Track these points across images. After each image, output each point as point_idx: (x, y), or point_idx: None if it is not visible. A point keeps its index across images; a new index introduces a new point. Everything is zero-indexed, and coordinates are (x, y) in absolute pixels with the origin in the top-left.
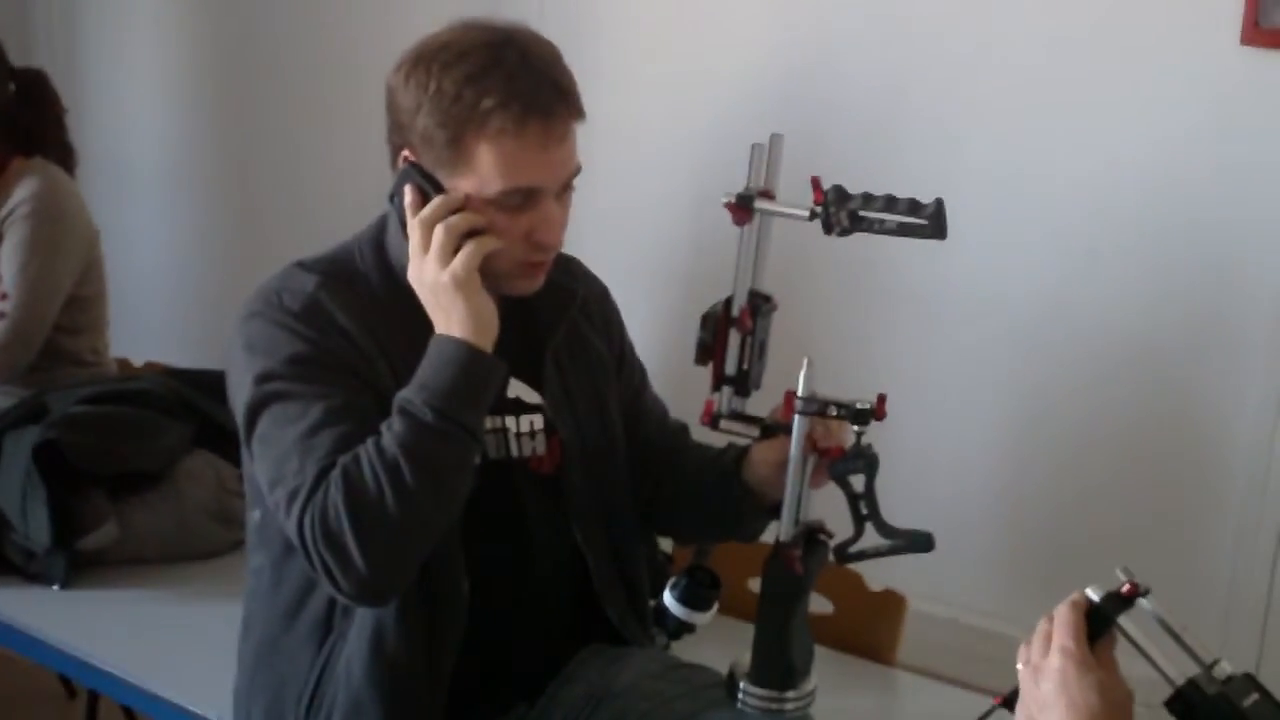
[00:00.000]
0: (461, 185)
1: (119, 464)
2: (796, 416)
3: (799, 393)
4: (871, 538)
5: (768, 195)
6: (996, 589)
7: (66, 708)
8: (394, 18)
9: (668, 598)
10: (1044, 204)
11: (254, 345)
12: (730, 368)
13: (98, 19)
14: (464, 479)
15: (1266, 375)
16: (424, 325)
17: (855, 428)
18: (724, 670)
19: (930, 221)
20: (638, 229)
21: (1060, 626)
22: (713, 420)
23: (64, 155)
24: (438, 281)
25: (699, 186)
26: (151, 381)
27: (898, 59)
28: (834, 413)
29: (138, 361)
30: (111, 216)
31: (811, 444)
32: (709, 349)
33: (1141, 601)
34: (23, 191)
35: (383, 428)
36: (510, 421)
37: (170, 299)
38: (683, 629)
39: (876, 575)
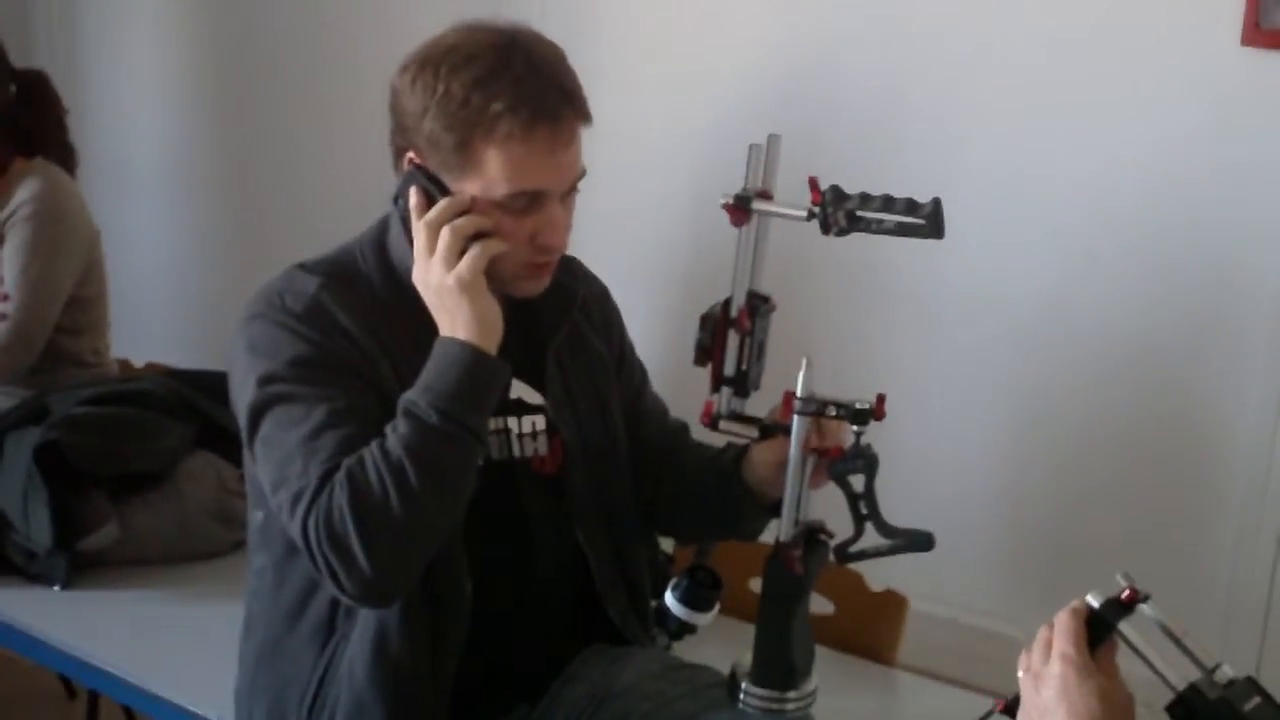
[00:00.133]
0: (468, 188)
1: (120, 465)
2: (795, 417)
3: (798, 393)
4: (871, 538)
5: (765, 196)
6: (997, 589)
7: (67, 708)
8: (394, 17)
9: (669, 598)
10: (1044, 204)
11: (256, 347)
12: (729, 368)
13: (98, 20)
14: (468, 481)
15: (1267, 376)
16: (426, 326)
17: (854, 428)
18: (725, 670)
19: (928, 221)
20: (638, 229)
21: (1060, 633)
22: (712, 421)
23: (65, 156)
24: (443, 284)
25: (699, 187)
26: (152, 382)
27: (897, 59)
28: (833, 413)
29: (139, 362)
30: (112, 217)
31: (811, 444)
32: (708, 350)
33: (1142, 607)
34: (24, 193)
35: (387, 430)
36: (512, 422)
37: (171, 300)
38: (684, 629)
39: (877, 575)
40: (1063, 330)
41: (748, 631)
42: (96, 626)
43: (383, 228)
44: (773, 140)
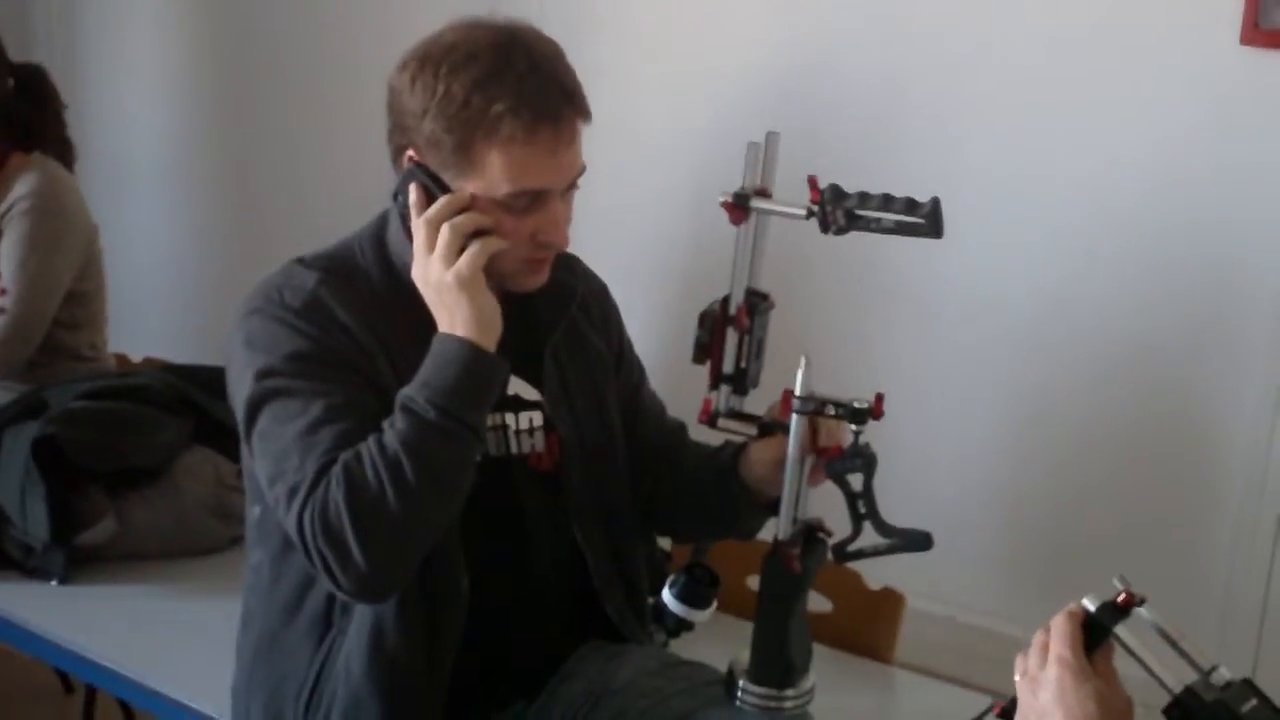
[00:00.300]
0: (468, 187)
1: (118, 460)
2: (794, 415)
3: (797, 391)
4: (870, 536)
5: (764, 194)
6: (995, 588)
7: (64, 703)
8: (394, 15)
9: (666, 595)
10: (1044, 204)
11: (254, 341)
12: (728, 366)
13: (97, 15)
14: (465, 477)
15: (1265, 376)
16: (425, 322)
17: (853, 427)
18: (723, 668)
19: (927, 220)
20: (637, 227)
21: (1057, 637)
22: (711, 418)
23: (63, 151)
24: (442, 281)
25: (698, 185)
26: (150, 377)
27: (897, 58)
28: (832, 412)
29: (136, 357)
30: (111, 212)
31: (809, 443)
32: (707, 348)
33: (1139, 610)
34: (22, 187)
35: (385, 425)
36: (509, 418)
37: (169, 295)
38: (681, 626)
39: (875, 574)
40: (1062, 330)
41: (745, 629)
42: (94, 621)
43: (381, 223)
44: (771, 138)
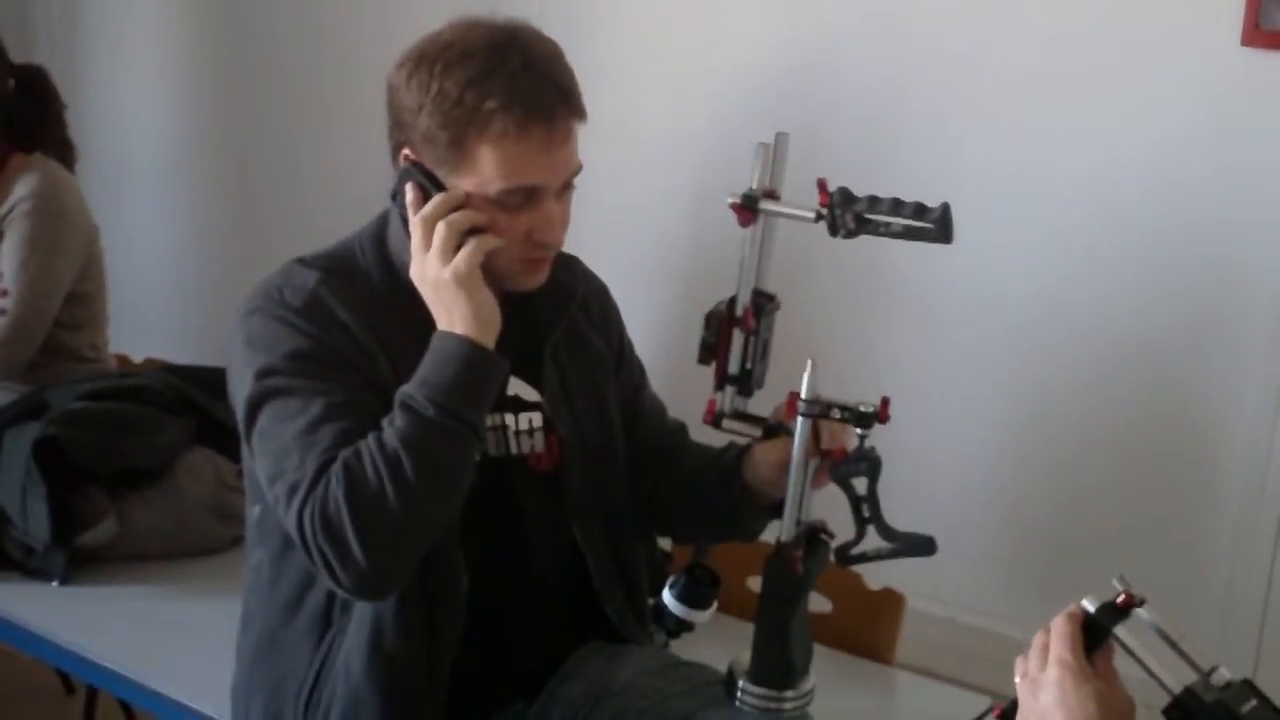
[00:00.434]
0: (463, 184)
1: (119, 460)
2: (800, 418)
3: (802, 394)
4: (873, 540)
5: (773, 196)
6: (995, 588)
7: (65, 703)
8: (394, 15)
9: (667, 596)
10: (1044, 204)
11: (254, 341)
12: (733, 367)
13: (98, 16)
14: (464, 475)
15: (1265, 376)
16: (425, 322)
17: (859, 431)
18: (723, 669)
19: (936, 225)
20: (638, 228)
21: (1057, 638)
22: (715, 419)
23: (64, 151)
24: (440, 278)
25: (699, 185)
26: (151, 378)
27: (897, 58)
28: (838, 415)
29: (137, 358)
30: (111, 213)
31: (814, 445)
32: (712, 348)
33: (1139, 611)
34: (23, 188)
35: (384, 423)
36: (509, 419)
37: (170, 295)
38: (682, 627)
39: (875, 574)
40: (1062, 330)
41: (746, 630)
42: (95, 622)
43: (382, 223)
44: (780, 139)
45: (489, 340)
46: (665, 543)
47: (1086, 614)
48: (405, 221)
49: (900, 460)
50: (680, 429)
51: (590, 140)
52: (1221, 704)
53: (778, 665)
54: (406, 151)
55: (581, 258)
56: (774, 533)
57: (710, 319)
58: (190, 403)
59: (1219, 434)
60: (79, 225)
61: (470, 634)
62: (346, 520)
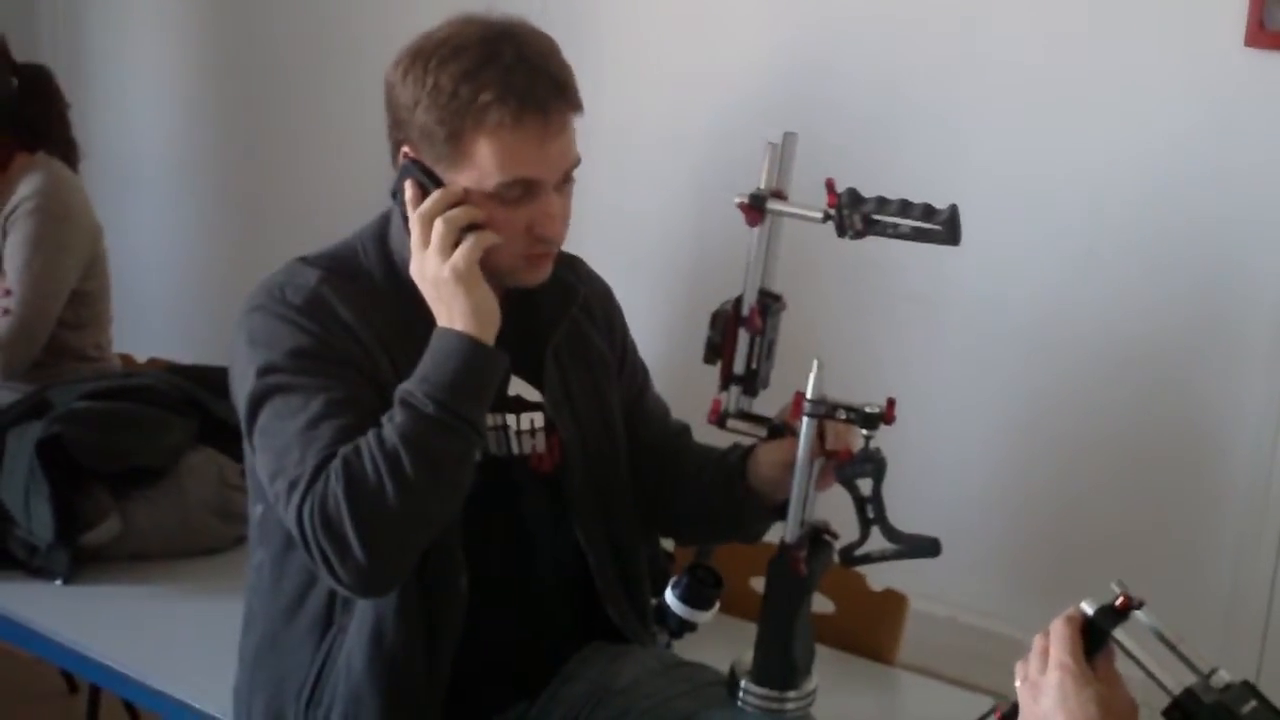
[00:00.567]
0: (461, 180)
1: (122, 460)
2: (805, 418)
3: (808, 395)
4: (877, 541)
5: (780, 196)
6: (997, 590)
7: (68, 703)
8: (396, 15)
9: (670, 596)
10: (1046, 206)
11: (256, 338)
12: (739, 367)
13: (101, 16)
14: (464, 471)
15: (1268, 378)
16: (426, 321)
17: (864, 432)
18: (725, 669)
19: (944, 227)
20: (641, 228)
21: (1056, 641)
22: (720, 419)
23: (67, 151)
24: (438, 275)
25: (701, 185)
26: (155, 377)
27: (899, 59)
28: (843, 416)
29: (141, 357)
30: (115, 212)
31: (819, 446)
32: (718, 348)
33: (1137, 613)
34: (27, 188)
35: (384, 419)
36: (511, 419)
37: (173, 295)
38: (684, 627)
39: (878, 575)
40: (1064, 332)
41: (748, 630)
42: (98, 621)
43: (384, 222)
44: (788, 139)
45: (489, 336)
46: (668, 543)
47: (1085, 617)
48: (406, 220)
49: (904, 461)
50: (683, 430)
51: (594, 141)
52: (1221, 705)
53: (780, 666)
54: (405, 149)
55: (585, 258)
56: (777, 533)
57: (716, 319)
58: (193, 402)
59: (1221, 435)
60: (83, 225)
61: (472, 634)
62: (346, 517)
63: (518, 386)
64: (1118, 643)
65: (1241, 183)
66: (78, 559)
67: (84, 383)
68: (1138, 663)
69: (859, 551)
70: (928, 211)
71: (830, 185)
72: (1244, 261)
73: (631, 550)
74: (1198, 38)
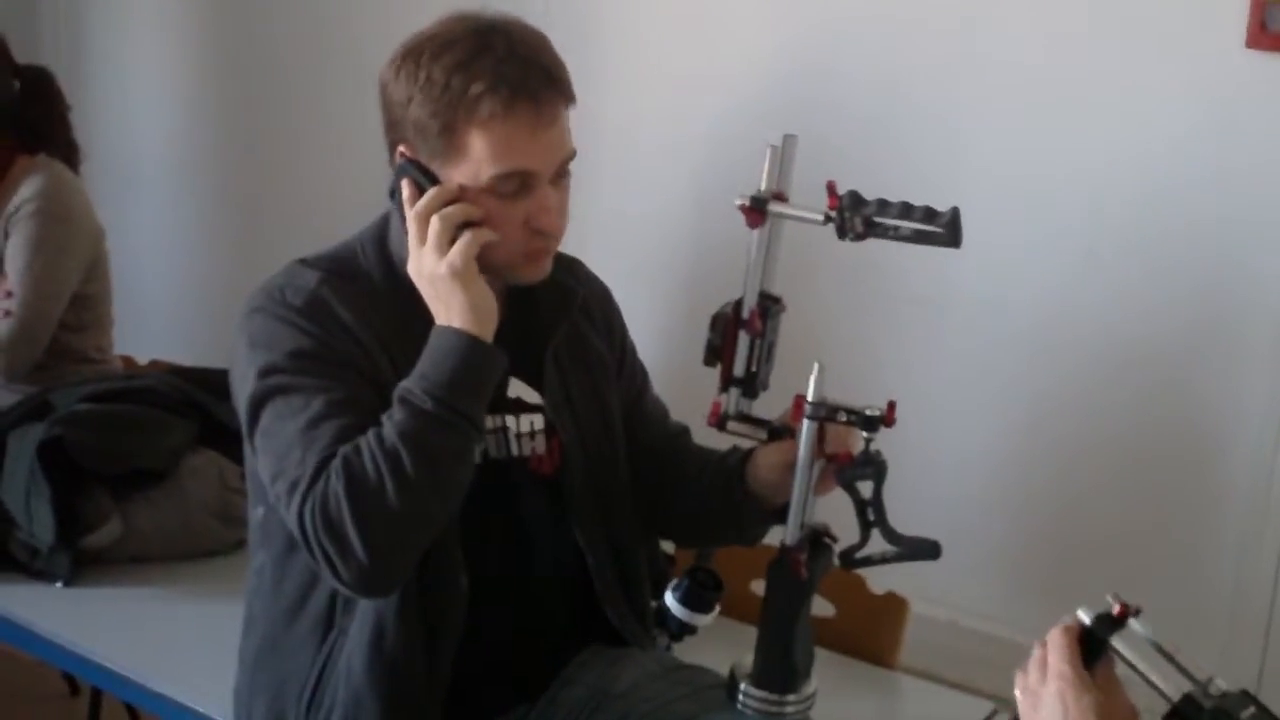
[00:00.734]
0: (456, 175)
1: (123, 462)
2: (805, 420)
3: (809, 397)
4: (878, 544)
5: (781, 198)
6: (998, 593)
7: (69, 705)
8: (396, 15)
9: (669, 599)
10: (1046, 207)
11: (256, 340)
12: (739, 369)
13: (103, 18)
14: (464, 469)
15: (1269, 378)
16: (426, 321)
17: (865, 434)
18: (725, 672)
19: (946, 230)
20: (641, 229)
21: (1054, 651)
22: (720, 421)
23: (69, 153)
24: (435, 273)
25: (701, 187)
26: (156, 379)
27: (899, 60)
28: (844, 418)
29: (142, 359)
30: (116, 215)
31: (820, 449)
32: (718, 350)
33: (1133, 622)
34: (28, 189)
35: (384, 418)
36: (510, 421)
37: (175, 297)
38: (684, 630)
39: (878, 578)
40: (1064, 333)
41: (748, 633)
42: (99, 623)
43: (383, 224)
44: (789, 141)
45: (487, 334)
46: (668, 546)
47: (1083, 626)
48: (405, 220)
49: (905, 464)
50: (683, 432)
51: (594, 142)
52: (1221, 710)
53: (780, 669)
54: (402, 148)
55: (586, 261)
56: (777, 536)
57: (716, 321)
58: (195, 404)
59: (1222, 436)
60: (84, 227)
61: (471, 637)
62: (347, 516)
63: (518, 389)
64: (1114, 650)
65: (1242, 184)
66: (79, 561)
67: (85, 385)
68: (1135, 669)
69: (859, 554)
70: (929, 214)
71: (832, 188)
72: (1244, 262)
73: (631, 552)
74: (1198, 39)
